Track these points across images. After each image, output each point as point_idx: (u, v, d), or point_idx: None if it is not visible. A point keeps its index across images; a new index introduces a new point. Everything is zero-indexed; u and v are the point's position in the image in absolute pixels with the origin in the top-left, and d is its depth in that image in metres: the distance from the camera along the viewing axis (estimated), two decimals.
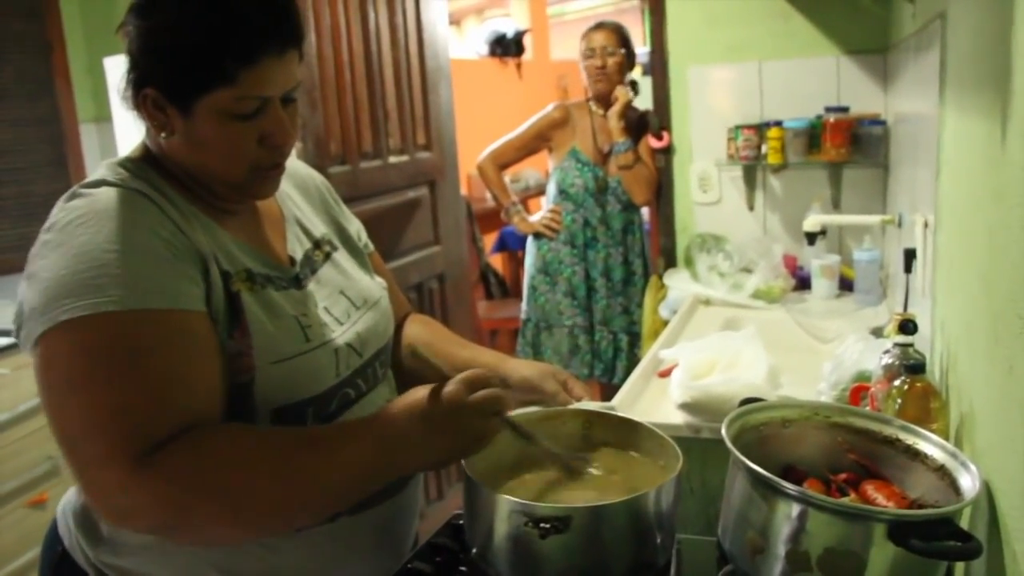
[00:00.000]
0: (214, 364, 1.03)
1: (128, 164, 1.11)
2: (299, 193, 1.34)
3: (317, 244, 1.27)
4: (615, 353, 3.38)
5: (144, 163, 1.12)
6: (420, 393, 1.07)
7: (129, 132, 3.20)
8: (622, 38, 3.24)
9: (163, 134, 1.08)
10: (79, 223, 1.01)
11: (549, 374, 1.40)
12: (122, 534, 1.11)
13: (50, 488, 2.87)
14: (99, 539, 1.13)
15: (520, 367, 1.42)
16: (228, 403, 1.06)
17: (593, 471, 1.23)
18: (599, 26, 3.30)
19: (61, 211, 1.05)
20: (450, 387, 1.06)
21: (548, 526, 1.02)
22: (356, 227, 1.45)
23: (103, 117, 3.53)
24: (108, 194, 1.04)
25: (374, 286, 1.34)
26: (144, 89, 1.06)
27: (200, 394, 1.01)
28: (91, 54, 3.52)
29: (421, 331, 1.50)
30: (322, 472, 1.01)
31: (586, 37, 3.28)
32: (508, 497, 1.07)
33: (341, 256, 1.31)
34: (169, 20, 1.04)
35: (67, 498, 1.21)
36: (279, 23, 1.06)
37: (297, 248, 1.23)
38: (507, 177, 3.53)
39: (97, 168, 1.12)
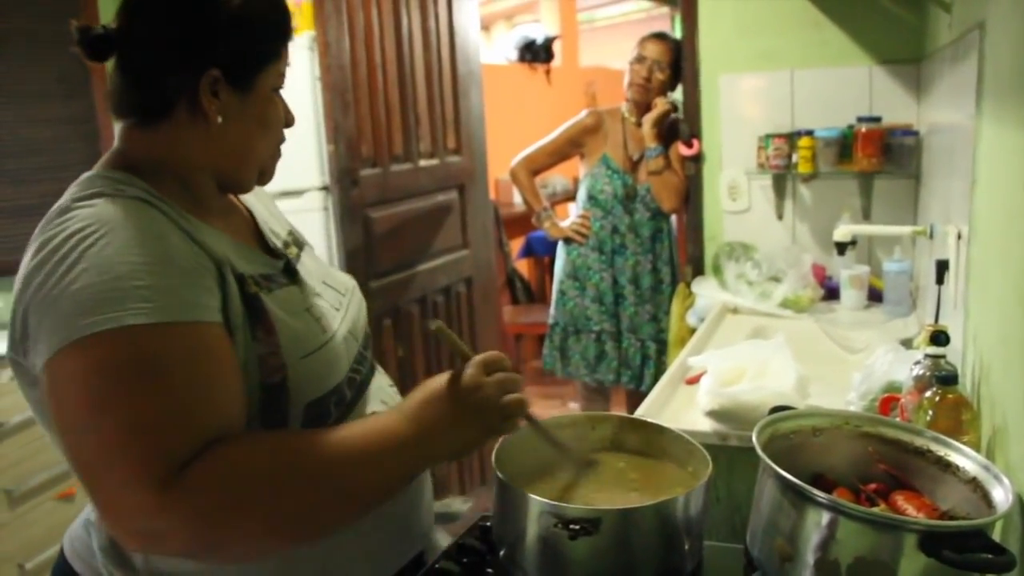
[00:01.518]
0: (236, 376, 1.00)
1: (113, 175, 1.05)
2: (256, 199, 1.31)
3: (286, 243, 1.26)
4: (643, 360, 3.37)
5: (127, 172, 1.05)
6: (439, 381, 1.08)
7: None
8: (675, 57, 3.21)
9: (219, 117, 1.07)
10: (84, 236, 0.94)
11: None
12: (160, 564, 1.06)
13: (78, 482, 2.90)
14: (134, 570, 1.07)
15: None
16: (262, 406, 1.04)
17: (626, 475, 1.23)
18: (659, 37, 3.28)
19: (55, 227, 0.97)
20: (469, 370, 1.07)
21: (578, 527, 1.02)
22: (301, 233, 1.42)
23: None
24: (110, 205, 0.98)
25: (346, 276, 1.37)
26: (208, 71, 1.04)
27: (224, 408, 0.97)
28: None
29: None
30: (356, 473, 1.00)
31: (642, 44, 3.26)
32: (539, 498, 1.07)
33: (306, 254, 1.30)
34: (233, 2, 1.06)
35: (78, 534, 1.16)
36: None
37: (275, 243, 1.23)
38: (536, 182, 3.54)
39: (77, 182, 1.06)
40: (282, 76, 1.14)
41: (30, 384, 1.02)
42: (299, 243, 1.30)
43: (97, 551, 1.10)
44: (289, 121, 1.18)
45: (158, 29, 1.05)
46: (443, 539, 1.34)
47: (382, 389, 1.30)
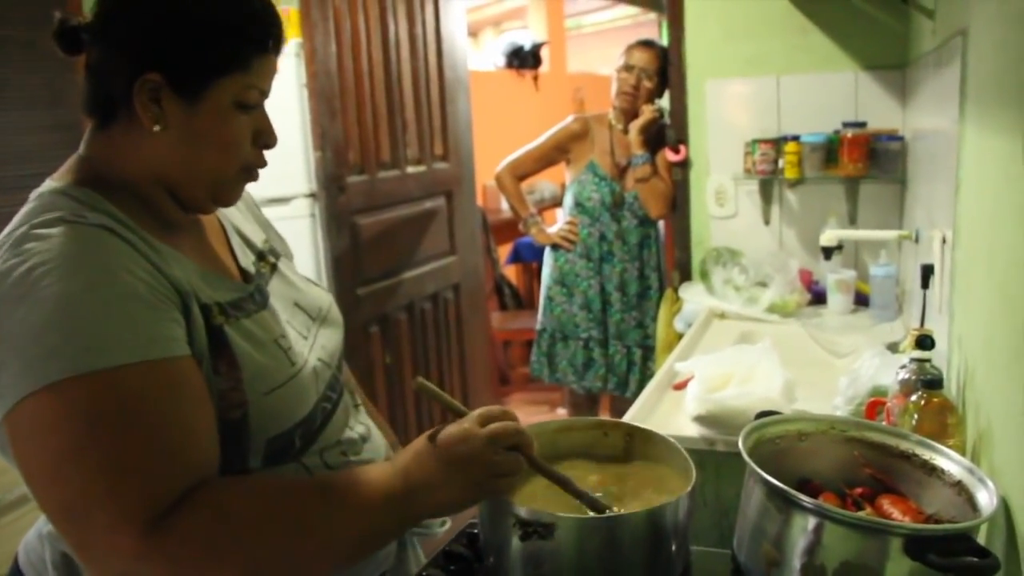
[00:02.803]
0: (209, 410, 0.96)
1: (76, 192, 0.99)
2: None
3: (261, 255, 1.20)
4: (628, 367, 3.38)
5: (89, 188, 1.00)
6: (428, 435, 1.04)
7: None
8: (662, 64, 3.22)
9: (156, 127, 0.98)
10: (44, 271, 0.88)
11: None
12: None
13: None
14: None
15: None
16: (221, 440, 0.98)
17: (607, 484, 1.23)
18: (646, 45, 3.28)
19: (13, 258, 0.90)
20: (463, 424, 1.02)
21: (531, 530, 1.02)
22: (283, 238, 1.37)
23: None
24: (70, 234, 0.92)
25: (321, 293, 1.29)
26: (145, 75, 0.96)
27: (204, 445, 0.94)
28: None
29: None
30: (340, 527, 0.97)
31: (629, 52, 3.27)
32: (506, 499, 1.07)
33: (284, 265, 1.25)
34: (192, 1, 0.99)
35: (33, 545, 1.11)
36: (278, 22, 1.05)
37: (247, 262, 1.16)
38: (522, 188, 3.54)
39: (38, 195, 1.01)
40: (250, 91, 1.02)
41: None
42: (275, 253, 1.24)
43: (48, 564, 1.07)
44: (267, 142, 1.07)
45: (107, 24, 0.99)
46: (417, 557, 1.32)
47: (348, 411, 1.24)
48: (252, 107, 1.04)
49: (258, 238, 1.23)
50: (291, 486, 1.00)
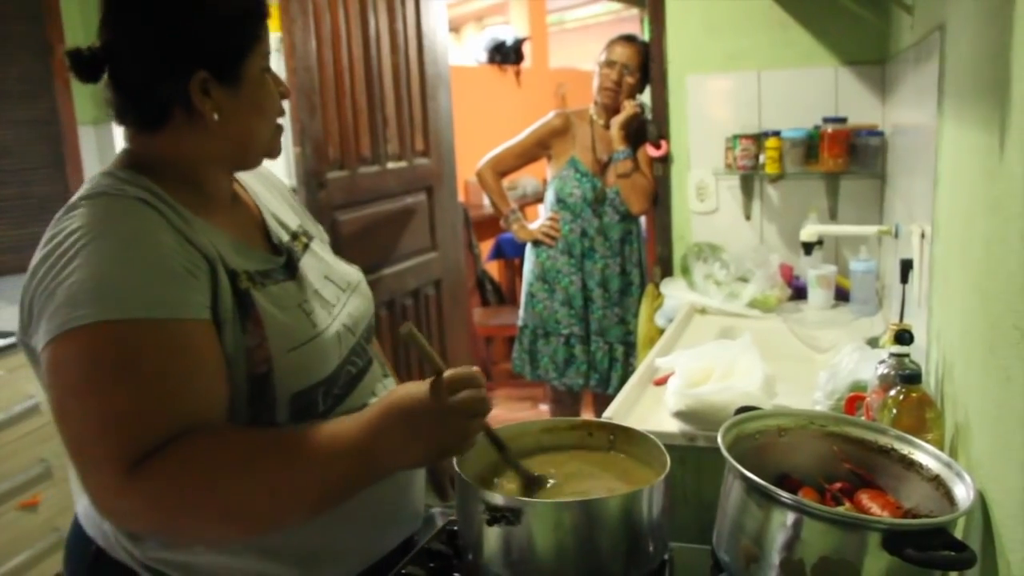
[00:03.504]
0: (216, 371, 1.05)
1: (121, 174, 1.11)
2: (267, 190, 1.37)
3: (295, 235, 1.30)
4: (610, 363, 3.38)
5: (134, 171, 1.12)
6: (400, 392, 1.08)
7: None
8: (643, 60, 3.22)
9: (215, 115, 1.11)
10: (83, 235, 1.01)
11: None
12: None
13: (43, 490, 2.86)
14: (140, 537, 1.12)
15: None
16: (250, 396, 1.09)
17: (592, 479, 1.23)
18: (627, 40, 3.28)
19: (62, 223, 1.05)
20: (434, 392, 1.06)
21: (498, 515, 1.05)
22: (319, 228, 1.47)
23: (102, 119, 3.53)
24: (110, 205, 1.05)
25: (352, 270, 1.40)
26: (195, 74, 1.08)
27: (200, 401, 1.02)
28: None
29: None
30: (305, 475, 1.02)
31: (611, 47, 3.27)
32: (469, 481, 1.11)
33: (317, 245, 1.35)
34: (205, 1, 1.10)
35: (88, 501, 1.21)
36: None
37: (279, 239, 1.26)
38: (504, 184, 3.53)
39: (91, 179, 1.13)
40: (267, 55, 1.16)
41: (37, 364, 1.06)
42: (308, 235, 1.34)
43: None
44: (283, 91, 1.21)
45: (138, 42, 1.09)
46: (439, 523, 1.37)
47: (377, 380, 1.33)
48: (269, 67, 1.18)
49: (293, 222, 1.34)
50: (265, 435, 1.07)
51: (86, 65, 1.11)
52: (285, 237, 1.28)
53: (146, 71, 1.09)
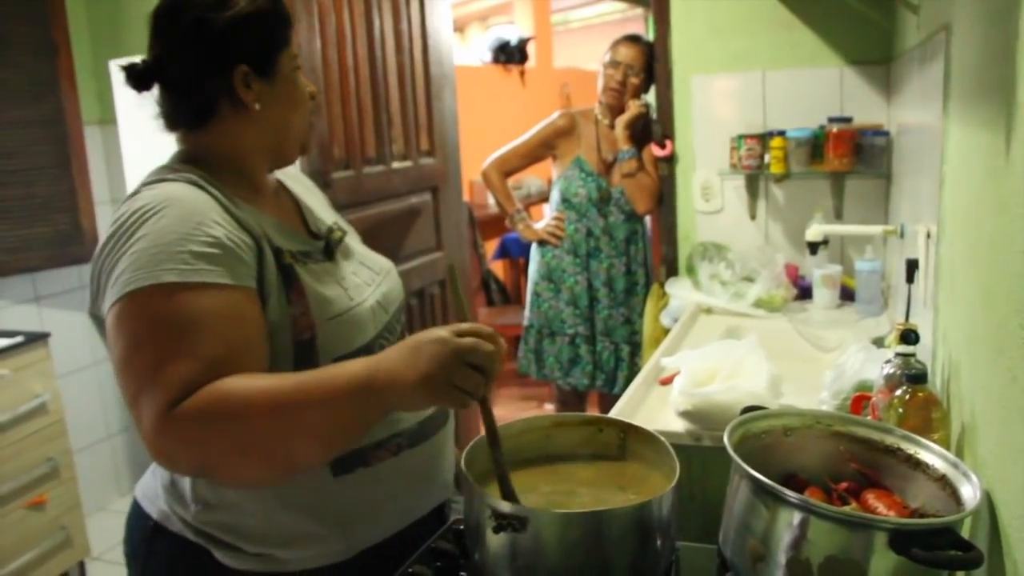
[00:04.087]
0: (257, 333, 1.15)
1: (176, 165, 1.27)
2: (305, 192, 1.49)
3: (331, 230, 1.41)
4: (616, 363, 3.38)
5: (188, 163, 1.27)
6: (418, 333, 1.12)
7: (134, 134, 3.20)
8: (648, 60, 3.22)
9: (257, 105, 1.27)
10: (143, 212, 1.14)
11: None
12: (209, 493, 1.23)
13: (49, 489, 2.87)
14: (188, 503, 1.24)
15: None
16: (296, 360, 1.21)
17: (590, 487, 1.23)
18: (632, 40, 3.28)
19: (125, 206, 1.19)
20: (444, 329, 1.09)
21: (505, 522, 1.05)
22: (352, 230, 1.56)
23: (107, 120, 3.54)
24: (167, 187, 1.19)
25: (384, 259, 1.52)
26: (238, 67, 1.25)
27: (240, 359, 1.10)
28: (96, 57, 3.53)
29: None
30: (309, 407, 1.06)
31: (615, 48, 3.27)
32: (479, 489, 1.10)
33: (351, 239, 1.47)
34: (240, 6, 1.25)
35: (147, 481, 1.34)
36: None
37: (318, 227, 1.39)
38: (509, 184, 3.53)
39: (149, 172, 1.27)
40: (296, 57, 1.33)
41: (103, 331, 1.17)
42: (343, 230, 1.45)
43: (159, 490, 1.29)
44: (312, 93, 1.37)
45: (187, 48, 1.24)
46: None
47: None
48: (299, 67, 1.35)
49: (329, 218, 1.46)
50: (278, 377, 1.11)
51: (139, 76, 1.27)
52: (323, 228, 1.39)
53: (196, 70, 1.25)
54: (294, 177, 1.51)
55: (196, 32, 1.24)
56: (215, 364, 1.07)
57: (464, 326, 1.09)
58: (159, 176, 1.24)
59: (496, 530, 1.05)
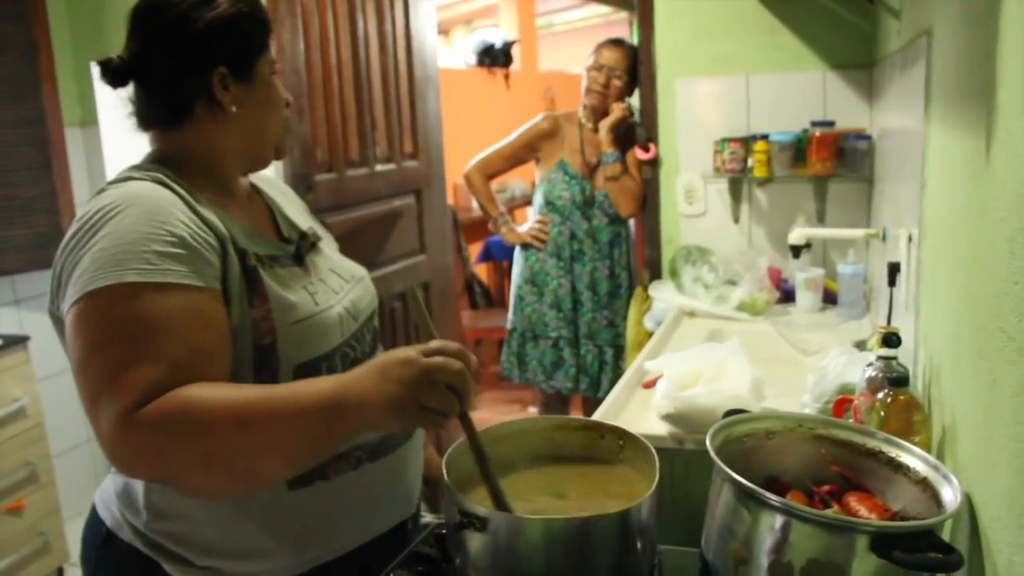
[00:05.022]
0: (219, 337, 1.13)
1: (144, 165, 1.26)
2: (281, 197, 1.47)
3: (303, 235, 1.38)
4: (601, 367, 3.37)
5: (158, 163, 1.26)
6: (385, 353, 1.09)
7: (115, 136, 3.18)
8: (632, 63, 3.22)
9: (234, 108, 1.26)
10: (108, 210, 1.12)
11: None
12: (162, 502, 1.20)
13: (28, 495, 2.84)
14: (140, 510, 1.21)
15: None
16: (256, 365, 1.18)
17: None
18: (616, 44, 3.28)
19: (90, 204, 1.16)
20: (411, 349, 1.05)
21: (467, 520, 1.06)
22: (329, 235, 1.55)
23: (88, 121, 3.51)
24: (133, 186, 1.18)
25: (357, 267, 1.50)
26: (217, 69, 1.24)
27: (203, 360, 1.08)
28: (77, 57, 3.50)
29: None
30: (278, 428, 1.04)
31: (599, 51, 3.27)
32: (452, 488, 1.10)
33: (325, 245, 1.44)
34: (219, 8, 1.24)
35: (104, 485, 1.31)
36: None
37: (289, 234, 1.37)
38: (493, 186, 3.52)
39: (119, 172, 1.25)
40: (273, 63, 1.33)
41: (62, 331, 1.14)
42: (317, 236, 1.43)
43: (113, 496, 1.26)
44: (287, 100, 1.37)
45: (167, 47, 1.24)
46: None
47: None
48: (276, 72, 1.35)
49: (303, 223, 1.44)
50: (245, 389, 1.09)
51: (115, 72, 1.25)
52: (295, 234, 1.38)
53: (174, 69, 1.24)
54: (270, 182, 1.50)
55: (177, 31, 1.23)
56: (178, 369, 1.05)
57: (432, 345, 1.06)
58: (126, 175, 1.22)
59: (456, 527, 1.07)
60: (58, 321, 1.16)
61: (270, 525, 1.21)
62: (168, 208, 1.15)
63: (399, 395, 1.02)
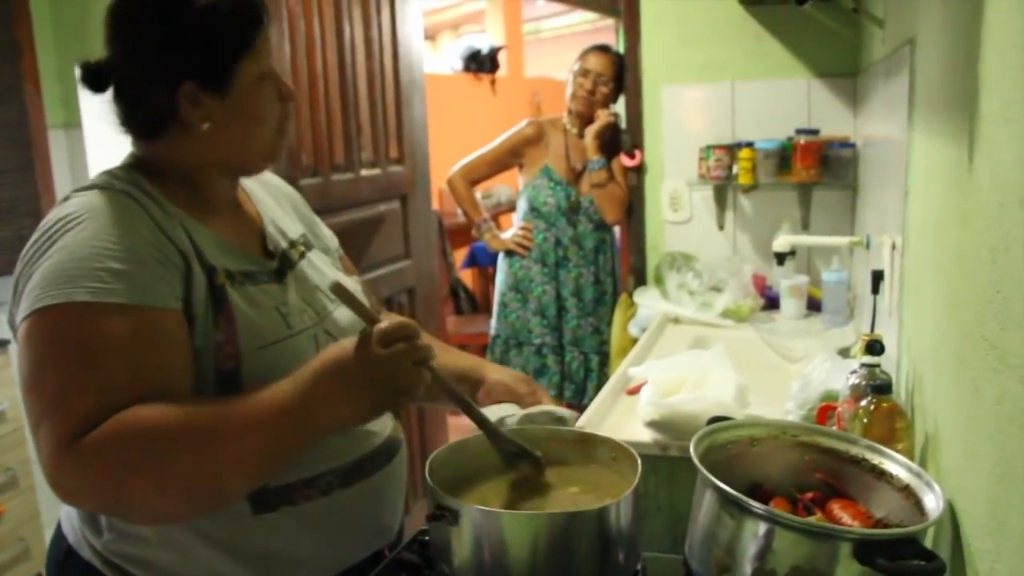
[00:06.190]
0: (179, 359, 1.07)
1: (118, 171, 1.17)
2: (273, 200, 1.39)
3: (292, 244, 1.32)
4: (586, 374, 3.37)
5: (133, 170, 1.18)
6: (331, 350, 1.07)
7: (98, 138, 3.16)
8: (618, 70, 3.23)
9: (205, 125, 1.14)
10: (66, 221, 1.07)
11: (522, 379, 1.44)
12: (124, 524, 1.13)
13: (8, 500, 2.81)
14: (101, 529, 1.15)
15: (496, 371, 1.47)
16: (217, 392, 1.11)
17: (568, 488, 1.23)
18: (602, 50, 3.29)
19: (54, 211, 1.11)
20: (366, 345, 1.04)
21: (440, 513, 1.06)
22: (329, 235, 1.50)
23: (72, 123, 3.49)
24: (96, 196, 1.11)
25: (347, 281, 1.35)
26: (182, 85, 1.12)
27: (156, 385, 1.03)
28: (61, 59, 3.48)
29: None
30: (238, 438, 1.03)
31: (585, 57, 3.27)
32: (431, 484, 1.09)
33: (315, 255, 1.36)
34: (192, 11, 1.12)
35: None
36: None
37: (274, 246, 1.28)
38: (478, 192, 3.52)
39: (93, 176, 1.18)
40: (264, 60, 1.18)
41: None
42: (308, 245, 1.36)
43: (74, 512, 1.20)
44: (287, 95, 1.24)
45: (132, 56, 1.14)
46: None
47: None
48: (268, 72, 1.20)
49: (294, 230, 1.36)
50: (197, 404, 1.06)
51: (94, 76, 1.16)
52: (282, 244, 1.30)
53: (140, 83, 1.15)
54: (266, 183, 1.41)
55: (139, 42, 1.14)
56: (124, 394, 1.00)
57: (379, 331, 1.04)
58: (93, 182, 1.15)
59: (429, 519, 1.08)
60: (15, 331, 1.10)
61: (232, 550, 1.15)
62: (129, 222, 1.08)
63: (376, 395, 1.05)
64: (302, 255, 1.32)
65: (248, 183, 1.35)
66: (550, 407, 1.37)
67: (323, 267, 1.37)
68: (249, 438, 1.03)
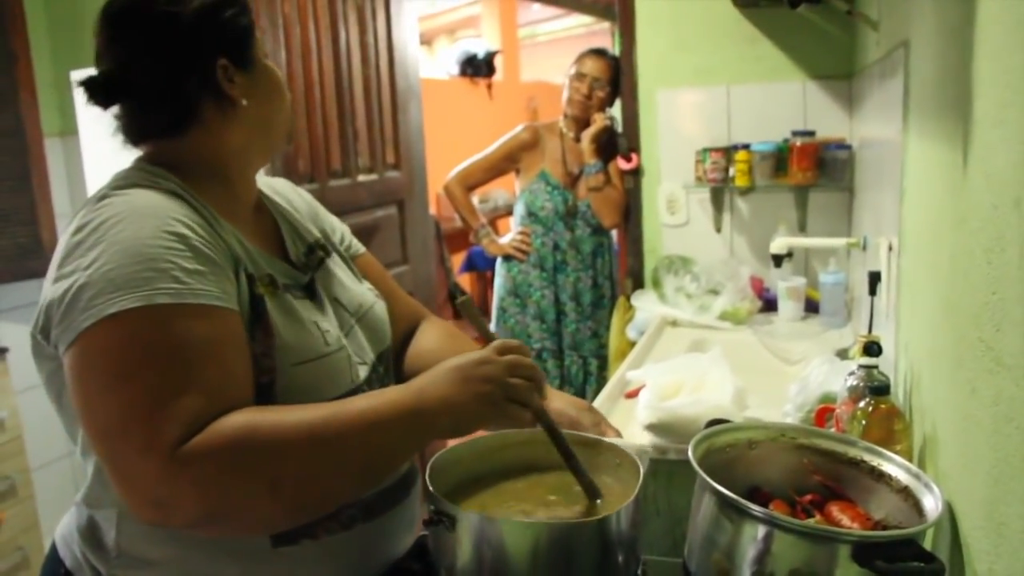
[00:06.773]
0: (248, 360, 1.05)
1: (149, 168, 1.13)
2: (286, 203, 1.36)
3: (311, 249, 1.28)
4: (585, 378, 3.37)
5: (162, 167, 1.13)
6: (449, 360, 1.10)
7: (95, 147, 3.16)
8: (614, 74, 3.23)
9: (244, 100, 1.16)
10: (117, 221, 1.00)
11: (585, 409, 1.41)
12: (134, 548, 1.09)
13: (6, 508, 2.81)
14: (109, 553, 1.10)
15: (559, 398, 1.42)
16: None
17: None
18: (598, 54, 3.29)
19: (92, 212, 1.03)
20: (483, 351, 1.10)
21: (437, 517, 1.06)
22: (340, 230, 1.48)
23: (68, 131, 3.49)
24: (144, 194, 1.06)
25: (365, 292, 1.37)
26: (218, 61, 1.14)
27: (237, 385, 1.02)
28: (57, 67, 3.48)
29: (438, 342, 1.48)
30: (354, 440, 1.01)
31: (581, 61, 3.28)
32: (432, 490, 1.10)
33: (333, 263, 1.33)
34: None
35: (66, 520, 1.20)
36: None
37: (296, 253, 1.26)
38: (475, 197, 3.52)
39: (116, 175, 1.13)
40: (263, 44, 1.23)
41: (47, 358, 1.06)
42: (326, 249, 1.32)
43: (75, 531, 1.14)
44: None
45: (158, 49, 1.11)
46: None
47: None
48: (267, 54, 1.24)
49: (311, 235, 1.32)
50: (310, 408, 1.03)
51: (102, 90, 1.13)
52: (303, 251, 1.27)
53: (170, 72, 1.12)
54: (275, 187, 1.38)
55: (165, 30, 1.11)
56: (224, 397, 0.97)
57: (498, 345, 1.11)
58: (132, 180, 1.09)
59: (426, 523, 1.08)
60: (39, 343, 1.05)
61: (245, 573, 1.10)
62: (187, 220, 1.05)
63: (488, 392, 1.06)
64: (320, 262, 1.29)
65: (265, 190, 1.32)
66: (620, 441, 1.31)
67: (342, 276, 1.33)
68: (361, 438, 1.02)
